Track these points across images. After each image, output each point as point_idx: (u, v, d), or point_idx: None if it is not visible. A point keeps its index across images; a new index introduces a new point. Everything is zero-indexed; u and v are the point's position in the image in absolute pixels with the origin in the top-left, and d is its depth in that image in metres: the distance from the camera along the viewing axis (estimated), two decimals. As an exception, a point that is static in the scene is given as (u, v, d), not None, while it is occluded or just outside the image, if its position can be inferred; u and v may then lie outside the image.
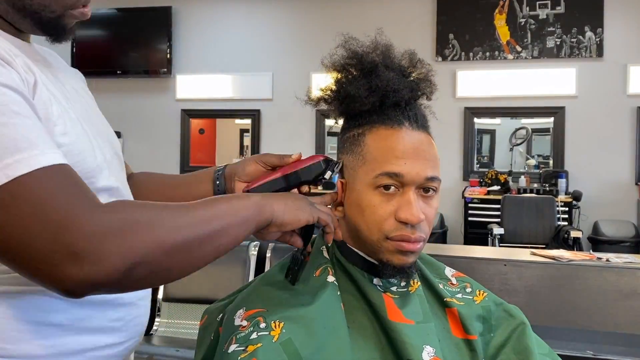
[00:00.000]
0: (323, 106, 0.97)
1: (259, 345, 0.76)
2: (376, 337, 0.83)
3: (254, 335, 0.77)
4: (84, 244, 0.60)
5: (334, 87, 0.92)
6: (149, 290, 0.89)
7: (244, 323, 0.80)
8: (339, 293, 0.85)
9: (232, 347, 0.77)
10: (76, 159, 0.73)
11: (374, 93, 0.88)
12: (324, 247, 0.92)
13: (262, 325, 0.78)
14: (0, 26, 0.78)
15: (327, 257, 0.91)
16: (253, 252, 2.60)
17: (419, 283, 0.92)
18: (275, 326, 0.78)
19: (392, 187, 0.85)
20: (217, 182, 0.98)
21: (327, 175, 0.91)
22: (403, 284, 0.90)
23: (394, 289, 0.89)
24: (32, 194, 0.61)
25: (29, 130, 0.64)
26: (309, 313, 0.81)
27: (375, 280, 0.89)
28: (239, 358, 0.75)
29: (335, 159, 0.93)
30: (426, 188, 0.87)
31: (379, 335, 0.83)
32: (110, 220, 0.63)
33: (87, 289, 0.62)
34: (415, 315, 0.86)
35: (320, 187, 0.95)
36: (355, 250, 0.90)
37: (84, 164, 0.75)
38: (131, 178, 1.02)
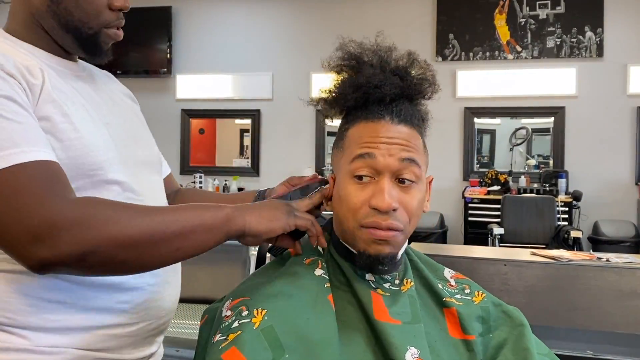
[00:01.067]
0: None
1: (239, 332, 0.76)
2: (366, 333, 0.83)
3: (235, 324, 0.78)
4: (45, 230, 0.72)
5: (331, 87, 0.95)
6: (164, 277, 0.96)
7: (228, 313, 0.81)
8: (327, 286, 0.86)
9: (217, 337, 0.78)
10: (85, 150, 0.85)
11: (358, 89, 0.90)
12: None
13: (245, 313, 0.78)
14: (53, 50, 0.93)
15: (321, 250, 0.92)
16: (253, 252, 2.60)
17: (412, 282, 0.91)
18: (257, 313, 0.78)
19: (367, 177, 0.86)
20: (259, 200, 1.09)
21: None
22: (397, 282, 0.90)
23: (386, 285, 0.89)
24: (7, 185, 0.73)
25: (15, 133, 0.76)
26: (293, 302, 0.81)
27: (368, 276, 0.89)
28: (220, 347, 0.75)
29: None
30: (402, 179, 0.86)
31: (368, 332, 0.83)
32: (72, 212, 0.74)
33: (46, 268, 0.74)
34: (404, 315, 0.85)
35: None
36: (342, 242, 0.91)
37: (93, 157, 0.86)
38: (178, 192, 1.18)
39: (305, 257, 0.91)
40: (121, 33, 0.98)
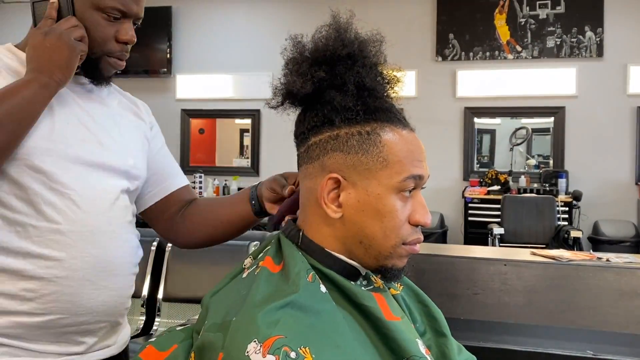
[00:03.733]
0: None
1: None
2: (369, 340, 0.80)
3: None
4: None
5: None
6: (80, 272, 0.97)
7: (271, 358, 0.68)
8: (333, 303, 0.79)
9: None
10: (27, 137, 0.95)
11: (390, 88, 0.87)
12: (294, 245, 0.85)
13: (292, 354, 0.69)
14: None
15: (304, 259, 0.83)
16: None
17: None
18: (304, 353, 0.69)
19: (410, 191, 0.83)
20: (253, 201, 1.13)
21: None
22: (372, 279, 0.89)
23: (370, 287, 0.87)
24: None
25: None
26: (323, 332, 0.74)
27: (358, 282, 0.86)
28: None
29: None
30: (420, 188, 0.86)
31: (372, 338, 0.80)
32: None
33: None
34: (397, 310, 0.85)
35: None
36: (335, 253, 0.84)
37: (26, 143, 0.94)
38: (195, 202, 1.23)
39: (300, 266, 0.81)
40: (123, 64, 1.05)
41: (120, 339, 1.11)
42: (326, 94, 0.84)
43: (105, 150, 1.04)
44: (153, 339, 0.86)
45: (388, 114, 0.84)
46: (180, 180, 1.24)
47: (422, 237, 0.84)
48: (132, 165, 1.09)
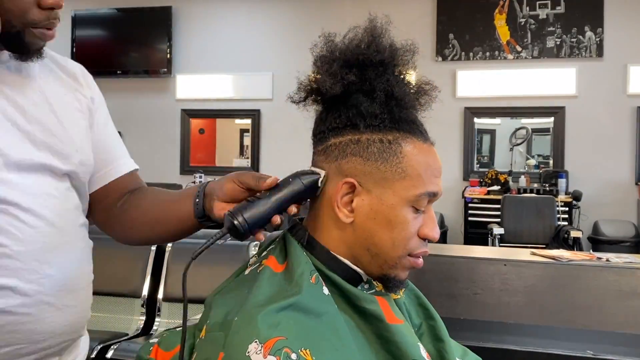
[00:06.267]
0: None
1: None
2: (369, 345, 0.79)
3: None
4: None
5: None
6: (38, 298, 0.86)
7: (272, 359, 0.68)
8: (335, 306, 0.79)
9: None
10: None
11: (417, 100, 0.86)
12: (300, 245, 0.84)
13: (293, 356, 0.68)
14: None
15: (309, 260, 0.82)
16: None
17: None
18: (305, 355, 0.69)
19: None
20: (197, 199, 0.95)
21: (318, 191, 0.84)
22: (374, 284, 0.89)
23: (372, 291, 0.86)
24: None
25: None
26: (325, 335, 0.74)
27: (360, 287, 0.85)
28: None
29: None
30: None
31: (371, 342, 0.80)
32: None
33: None
34: (399, 314, 0.85)
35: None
36: (340, 257, 0.83)
37: None
38: (140, 192, 1.05)
39: (304, 267, 0.81)
40: (52, 33, 0.87)
41: (82, 349, 1.01)
42: (353, 98, 0.83)
43: (43, 149, 0.89)
44: (155, 339, 0.86)
45: (412, 125, 0.84)
46: (124, 165, 1.05)
47: (428, 250, 0.85)
48: (79, 162, 0.94)
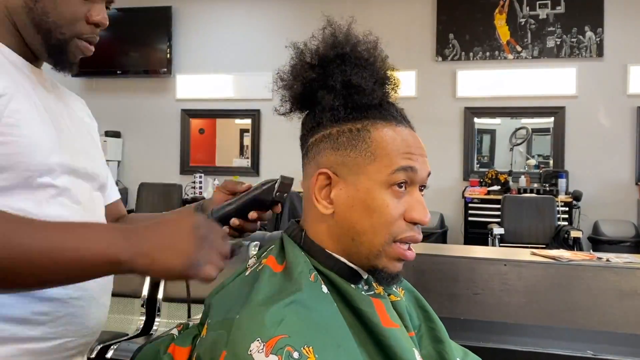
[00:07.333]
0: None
1: None
2: (361, 345, 0.78)
3: None
4: None
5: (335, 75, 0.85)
6: (91, 292, 0.90)
7: (274, 358, 0.68)
8: (335, 304, 0.79)
9: None
10: (25, 150, 0.82)
11: (380, 86, 0.86)
12: (297, 245, 0.85)
13: (295, 354, 0.68)
14: (20, 51, 0.91)
15: (307, 259, 0.83)
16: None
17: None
18: (307, 352, 0.69)
19: (404, 186, 0.81)
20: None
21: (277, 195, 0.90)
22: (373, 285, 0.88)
23: (371, 292, 0.86)
24: None
25: None
26: (326, 332, 0.74)
27: (359, 285, 0.85)
28: None
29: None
30: (421, 187, 0.85)
31: (367, 344, 0.79)
32: None
33: None
34: (396, 318, 0.84)
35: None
36: (336, 255, 0.84)
37: (32, 159, 0.83)
38: (123, 218, 1.11)
39: (302, 265, 0.81)
40: (92, 48, 0.95)
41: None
42: (319, 95, 0.85)
43: (89, 159, 0.98)
44: (166, 337, 0.88)
45: (381, 110, 0.85)
46: (113, 193, 1.10)
47: (419, 237, 0.83)
48: (105, 177, 1.04)
